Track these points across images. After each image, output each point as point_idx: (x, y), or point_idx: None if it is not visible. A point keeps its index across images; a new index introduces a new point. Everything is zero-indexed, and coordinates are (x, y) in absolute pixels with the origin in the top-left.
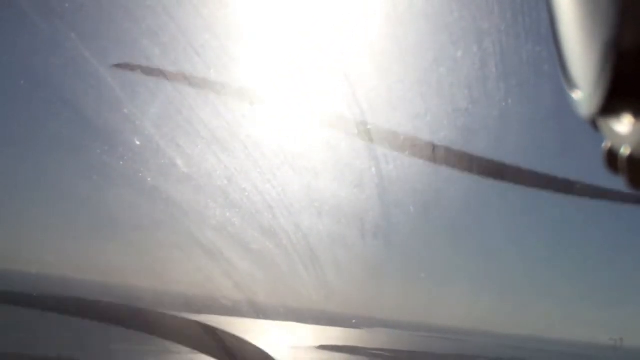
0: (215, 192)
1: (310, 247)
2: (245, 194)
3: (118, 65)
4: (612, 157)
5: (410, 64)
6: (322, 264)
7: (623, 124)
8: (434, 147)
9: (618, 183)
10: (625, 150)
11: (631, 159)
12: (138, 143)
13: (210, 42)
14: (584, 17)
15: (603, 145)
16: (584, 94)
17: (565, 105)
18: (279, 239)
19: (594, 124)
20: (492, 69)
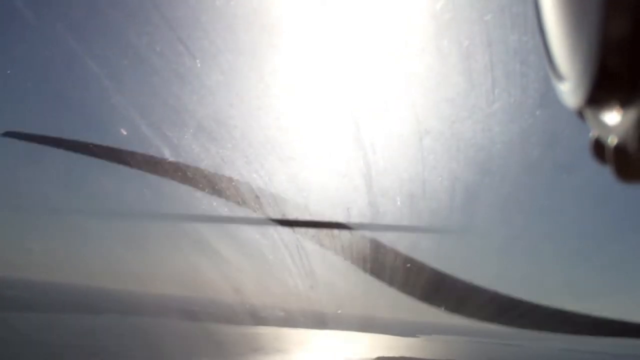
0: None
1: (297, 238)
2: (231, 183)
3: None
4: (599, 148)
5: (397, 54)
6: (309, 254)
7: (609, 115)
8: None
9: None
10: (611, 141)
11: (618, 149)
12: (125, 133)
13: (196, 32)
14: (570, 9)
15: (590, 135)
16: (571, 85)
17: (552, 96)
18: (265, 228)
19: (580, 114)
20: (478, 60)
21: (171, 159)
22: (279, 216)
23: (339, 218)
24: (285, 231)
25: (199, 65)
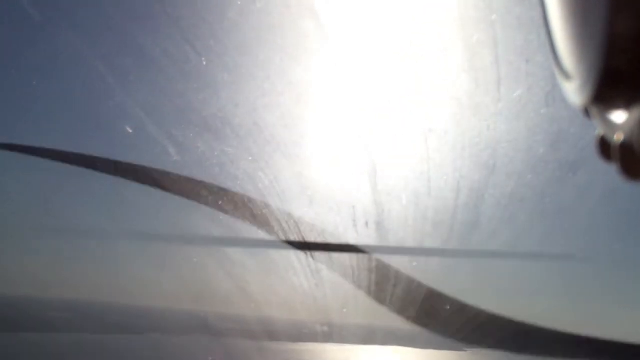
0: (207, 179)
1: (302, 236)
2: (237, 181)
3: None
4: (604, 145)
5: (401, 53)
6: (314, 252)
7: (616, 113)
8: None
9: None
10: (617, 138)
11: (624, 146)
12: (130, 131)
13: (202, 31)
14: (577, 6)
15: (596, 133)
16: (577, 83)
17: (558, 94)
18: (270, 226)
19: (586, 112)
20: (484, 58)
21: (176, 157)
22: (284, 215)
23: (344, 216)
24: (290, 230)
25: (204, 63)
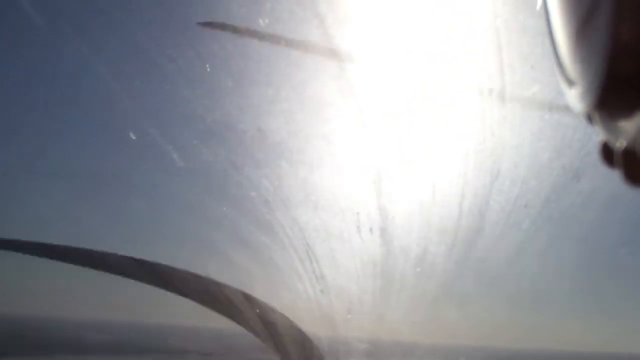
0: (211, 186)
1: (306, 242)
2: (242, 188)
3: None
4: (607, 151)
5: (405, 59)
6: (318, 258)
7: (618, 119)
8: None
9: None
10: (620, 144)
11: (626, 152)
12: (134, 137)
13: (206, 36)
14: (579, 13)
15: (599, 139)
16: (580, 89)
17: (562, 100)
18: (275, 232)
19: (589, 118)
20: (488, 64)
21: (180, 163)
22: (288, 221)
23: (349, 222)
24: (295, 236)
25: (208, 69)
